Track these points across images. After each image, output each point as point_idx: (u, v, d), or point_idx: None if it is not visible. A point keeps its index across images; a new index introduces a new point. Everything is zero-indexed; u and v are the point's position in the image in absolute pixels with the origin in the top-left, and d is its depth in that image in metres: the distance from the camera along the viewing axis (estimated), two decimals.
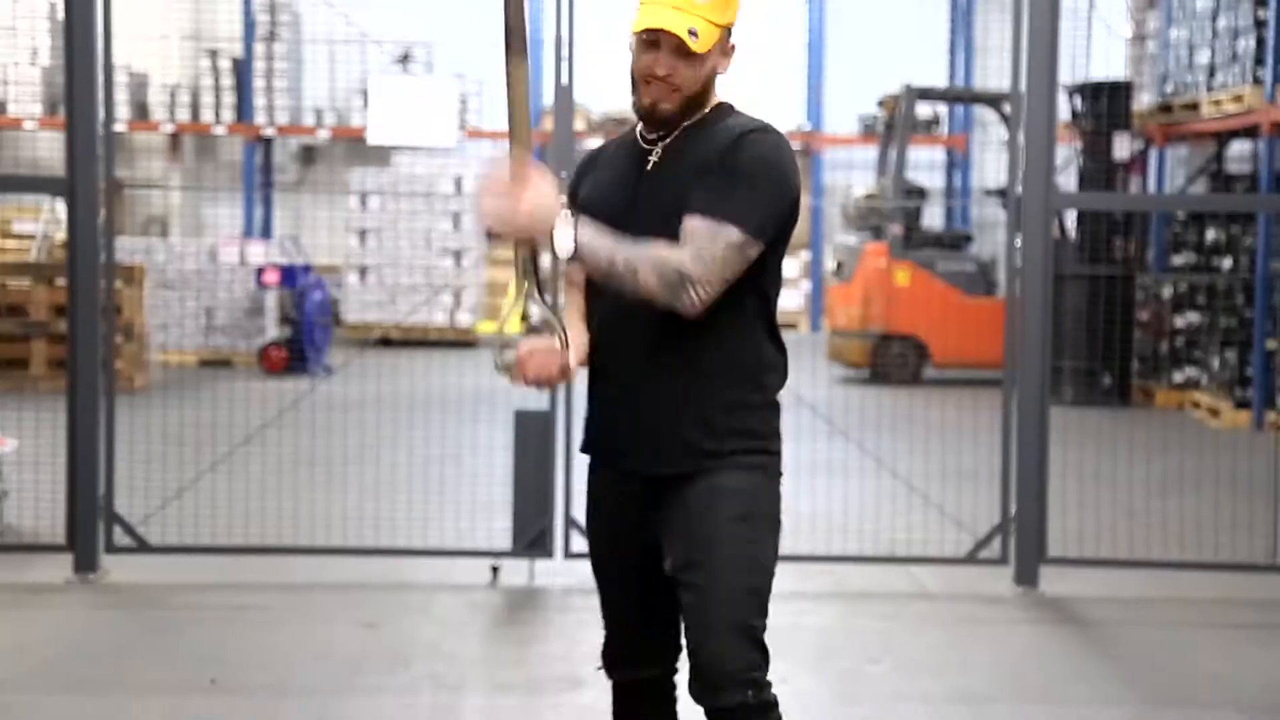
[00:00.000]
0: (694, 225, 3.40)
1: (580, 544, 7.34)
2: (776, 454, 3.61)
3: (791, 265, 20.07)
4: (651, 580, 3.61)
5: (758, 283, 3.53)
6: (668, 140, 3.56)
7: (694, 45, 3.44)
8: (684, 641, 3.55)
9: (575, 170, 3.78)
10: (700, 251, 3.38)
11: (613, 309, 3.53)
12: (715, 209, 3.41)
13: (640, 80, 3.52)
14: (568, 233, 3.37)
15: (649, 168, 3.56)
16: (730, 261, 3.40)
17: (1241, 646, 6.43)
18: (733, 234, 3.39)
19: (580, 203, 3.62)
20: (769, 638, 3.49)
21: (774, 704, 3.48)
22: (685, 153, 3.53)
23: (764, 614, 3.50)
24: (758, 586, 3.49)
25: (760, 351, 3.57)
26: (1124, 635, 6.53)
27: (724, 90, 3.64)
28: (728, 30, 3.52)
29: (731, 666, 3.43)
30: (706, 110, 3.57)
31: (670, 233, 3.42)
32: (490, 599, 6.94)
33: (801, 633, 6.39)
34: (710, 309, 3.42)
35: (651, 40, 3.47)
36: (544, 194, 3.36)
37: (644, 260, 3.39)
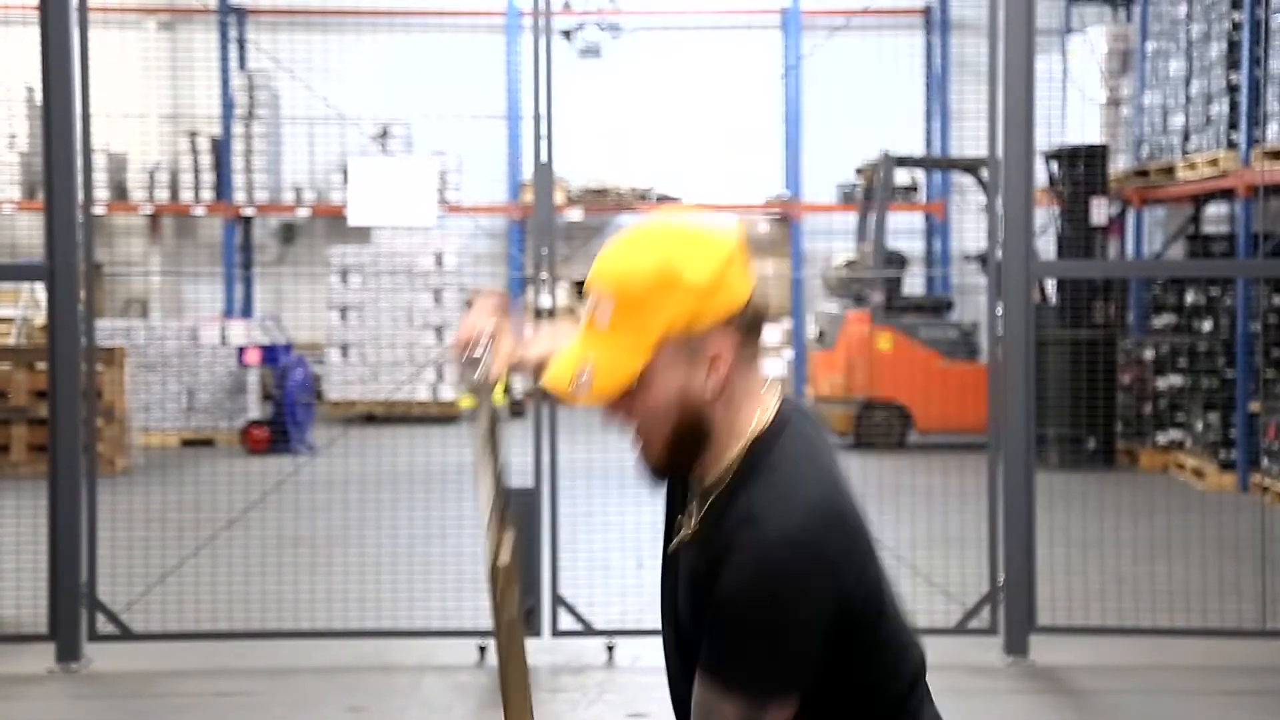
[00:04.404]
0: (695, 694, 2.47)
1: (568, 621, 7.29)
2: None
3: (773, 333, 20.09)
4: None
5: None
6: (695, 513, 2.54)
7: (588, 396, 2.38)
8: None
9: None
10: None
11: None
12: (707, 666, 2.45)
13: None
14: None
15: (672, 551, 2.61)
16: None
17: (1233, 713, 6.39)
18: (726, 711, 2.41)
19: None
20: None
21: None
22: (693, 543, 2.52)
23: None
24: None
25: None
26: (1116, 704, 6.49)
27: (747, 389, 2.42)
28: (680, 339, 2.33)
29: None
30: (728, 459, 2.44)
31: (681, 662, 2.59)
32: (477, 679, 6.88)
33: None
34: None
35: None
36: None
37: None
